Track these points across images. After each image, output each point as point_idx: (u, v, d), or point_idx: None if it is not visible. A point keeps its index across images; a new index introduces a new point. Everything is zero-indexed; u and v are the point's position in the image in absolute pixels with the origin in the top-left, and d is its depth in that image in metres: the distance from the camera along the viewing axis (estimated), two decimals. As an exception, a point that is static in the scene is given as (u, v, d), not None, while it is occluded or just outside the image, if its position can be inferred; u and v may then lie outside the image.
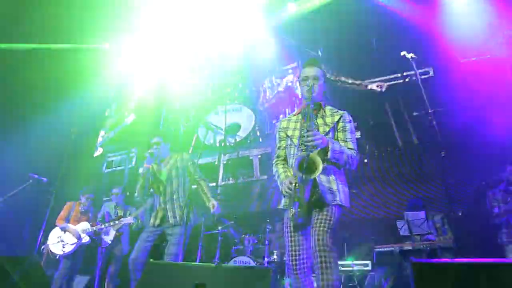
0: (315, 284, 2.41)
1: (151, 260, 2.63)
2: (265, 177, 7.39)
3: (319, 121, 2.55)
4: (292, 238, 2.43)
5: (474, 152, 5.53)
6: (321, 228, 2.28)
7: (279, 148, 2.73)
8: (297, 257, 2.36)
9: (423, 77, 6.50)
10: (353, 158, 2.45)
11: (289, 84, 7.73)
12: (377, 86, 6.85)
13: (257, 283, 1.87)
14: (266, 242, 5.65)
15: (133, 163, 8.78)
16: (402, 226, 4.73)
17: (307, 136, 2.30)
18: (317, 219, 2.35)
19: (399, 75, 6.80)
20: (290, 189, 2.34)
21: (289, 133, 2.61)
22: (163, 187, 3.62)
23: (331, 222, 2.32)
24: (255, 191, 7.37)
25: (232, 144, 8.08)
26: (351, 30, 7.05)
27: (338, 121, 2.53)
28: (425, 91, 6.29)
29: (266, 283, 1.84)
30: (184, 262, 4.12)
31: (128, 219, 5.23)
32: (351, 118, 2.60)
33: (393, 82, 6.81)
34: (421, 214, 4.65)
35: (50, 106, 6.77)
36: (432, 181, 5.74)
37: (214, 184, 7.09)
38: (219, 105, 8.69)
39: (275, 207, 6.99)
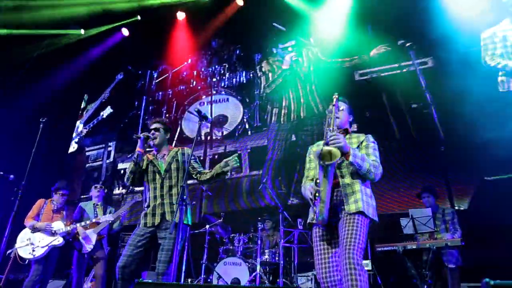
0: None
1: (140, 280, 2.16)
2: (255, 172, 6.99)
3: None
4: (320, 251, 2.40)
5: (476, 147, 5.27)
6: (349, 241, 2.21)
7: (308, 169, 2.77)
8: (326, 273, 2.31)
9: (421, 67, 6.22)
10: (376, 168, 2.45)
11: (294, 59, 7.34)
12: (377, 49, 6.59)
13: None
14: (259, 241, 5.24)
15: (111, 157, 8.23)
16: (406, 224, 4.42)
17: (331, 136, 2.34)
18: (344, 230, 2.29)
19: (397, 65, 6.43)
20: (313, 188, 2.33)
21: None
22: (161, 180, 3.19)
23: (359, 233, 2.25)
24: (244, 187, 6.98)
25: (218, 138, 7.67)
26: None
27: (362, 141, 2.64)
28: (424, 82, 6.04)
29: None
30: (185, 284, 3.64)
31: (108, 217, 4.75)
32: (374, 140, 2.67)
33: (390, 73, 6.48)
34: (427, 211, 4.35)
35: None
36: (432, 176, 5.47)
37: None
38: (204, 96, 8.27)
39: (265, 204, 6.62)
